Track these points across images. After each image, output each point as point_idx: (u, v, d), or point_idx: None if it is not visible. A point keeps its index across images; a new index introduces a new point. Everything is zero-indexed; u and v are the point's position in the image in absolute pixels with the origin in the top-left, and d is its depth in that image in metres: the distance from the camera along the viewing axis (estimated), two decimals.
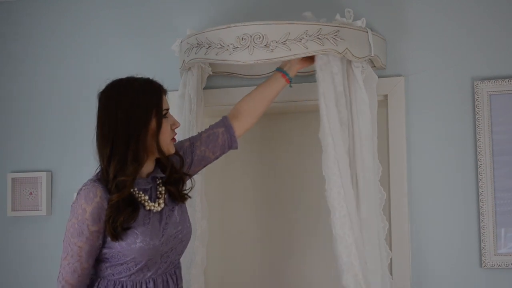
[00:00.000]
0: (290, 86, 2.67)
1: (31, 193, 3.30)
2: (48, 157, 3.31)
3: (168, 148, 2.40)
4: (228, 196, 3.39)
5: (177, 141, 2.47)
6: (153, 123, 2.33)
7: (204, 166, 2.62)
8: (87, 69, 3.29)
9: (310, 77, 2.87)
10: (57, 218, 3.29)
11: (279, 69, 2.69)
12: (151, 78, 2.41)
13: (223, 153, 2.62)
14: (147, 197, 2.39)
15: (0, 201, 3.35)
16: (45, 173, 3.28)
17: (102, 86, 2.37)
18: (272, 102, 2.67)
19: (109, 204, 2.28)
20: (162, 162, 2.43)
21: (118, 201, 2.28)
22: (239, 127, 2.62)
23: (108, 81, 2.39)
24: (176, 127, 2.42)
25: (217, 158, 2.63)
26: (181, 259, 2.83)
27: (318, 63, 2.59)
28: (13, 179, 3.31)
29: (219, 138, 2.58)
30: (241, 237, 3.35)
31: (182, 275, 2.55)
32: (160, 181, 2.46)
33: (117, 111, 2.31)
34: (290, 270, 3.28)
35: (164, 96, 2.40)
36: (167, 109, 2.40)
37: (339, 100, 2.59)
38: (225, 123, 2.61)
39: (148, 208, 2.37)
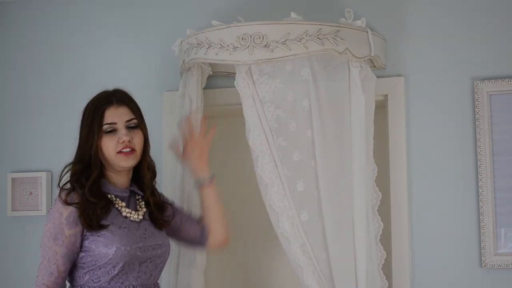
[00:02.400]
0: (213, 176, 2.68)
1: (31, 193, 3.30)
2: (48, 157, 3.31)
3: (118, 162, 2.41)
4: (228, 196, 3.38)
5: (133, 156, 2.44)
6: (97, 140, 2.39)
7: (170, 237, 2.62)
8: (87, 69, 3.28)
9: None
10: None
11: (196, 184, 2.70)
12: (110, 89, 2.47)
13: (188, 245, 2.68)
14: (124, 204, 2.43)
15: (0, 201, 3.35)
16: (45, 173, 3.28)
17: (101, 87, 2.47)
18: (219, 207, 2.69)
19: (80, 198, 2.33)
20: (139, 179, 2.49)
21: (91, 190, 2.34)
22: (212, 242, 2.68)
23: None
24: (123, 141, 2.40)
25: (179, 242, 2.69)
26: (181, 260, 2.83)
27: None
28: (13, 179, 3.31)
29: (192, 231, 2.64)
30: (241, 237, 3.34)
31: None
32: (140, 197, 2.50)
33: (80, 129, 2.44)
34: (291, 270, 3.27)
35: (107, 110, 2.41)
36: (111, 124, 2.40)
37: (262, 105, 2.63)
38: (202, 224, 2.66)
39: (124, 214, 2.41)
